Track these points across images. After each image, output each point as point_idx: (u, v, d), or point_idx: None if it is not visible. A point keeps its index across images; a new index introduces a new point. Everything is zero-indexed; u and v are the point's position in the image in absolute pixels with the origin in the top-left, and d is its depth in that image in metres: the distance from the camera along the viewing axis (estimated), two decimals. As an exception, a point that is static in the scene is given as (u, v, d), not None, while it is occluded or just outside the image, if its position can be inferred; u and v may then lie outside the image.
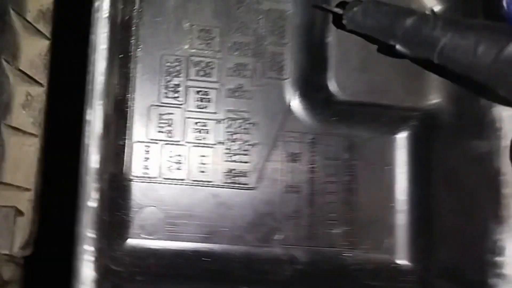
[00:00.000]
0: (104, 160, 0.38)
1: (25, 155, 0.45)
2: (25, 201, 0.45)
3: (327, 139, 0.46)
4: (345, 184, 0.46)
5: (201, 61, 0.45)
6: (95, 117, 0.37)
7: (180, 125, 0.44)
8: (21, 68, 0.45)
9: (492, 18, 0.35)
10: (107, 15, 0.40)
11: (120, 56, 0.43)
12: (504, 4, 0.32)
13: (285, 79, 0.46)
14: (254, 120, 0.45)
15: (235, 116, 0.45)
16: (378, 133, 0.47)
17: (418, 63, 0.42)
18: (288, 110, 0.46)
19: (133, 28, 0.45)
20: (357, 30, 0.40)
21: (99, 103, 0.37)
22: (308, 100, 0.46)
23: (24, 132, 0.45)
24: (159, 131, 0.44)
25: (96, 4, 0.40)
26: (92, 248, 0.36)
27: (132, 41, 0.44)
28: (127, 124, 0.43)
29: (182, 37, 0.45)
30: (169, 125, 0.44)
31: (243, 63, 0.46)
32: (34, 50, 0.47)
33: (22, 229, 0.43)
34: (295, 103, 0.46)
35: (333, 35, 0.44)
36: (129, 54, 0.44)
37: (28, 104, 0.46)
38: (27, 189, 0.45)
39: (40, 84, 0.47)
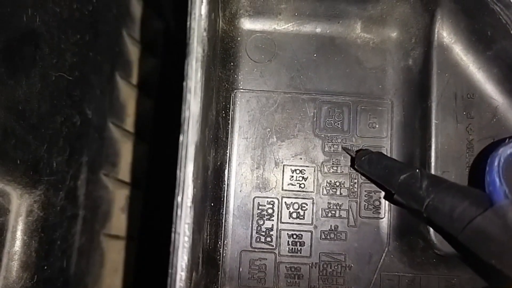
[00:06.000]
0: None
1: (124, 258, 0.45)
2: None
3: (425, 280, 0.44)
4: (445, 326, 0.44)
5: (294, 203, 0.43)
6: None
7: (272, 270, 0.43)
8: (120, 173, 0.45)
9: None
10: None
11: (211, 204, 0.41)
12: (487, 181, 0.34)
13: (381, 218, 0.44)
14: (350, 263, 0.43)
15: (329, 260, 0.43)
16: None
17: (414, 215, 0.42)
18: (385, 251, 0.43)
19: (225, 172, 0.43)
20: (366, 174, 0.43)
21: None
22: (406, 242, 0.43)
23: (123, 238, 0.45)
24: (251, 278, 0.43)
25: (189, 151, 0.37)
26: None
27: (224, 186, 0.43)
28: (219, 273, 0.42)
29: (274, 178, 0.43)
30: (261, 271, 0.43)
31: (338, 203, 0.44)
32: (132, 155, 0.47)
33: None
34: (393, 244, 0.44)
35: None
36: (221, 199, 0.43)
37: (127, 207, 0.46)
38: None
39: (139, 187, 0.47)
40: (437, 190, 0.35)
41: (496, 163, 0.34)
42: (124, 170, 0.46)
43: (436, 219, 0.35)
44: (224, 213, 0.43)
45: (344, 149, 0.44)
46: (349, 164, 0.44)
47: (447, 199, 0.34)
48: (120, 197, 0.46)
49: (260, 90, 0.44)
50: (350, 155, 0.44)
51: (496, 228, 0.31)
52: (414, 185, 0.36)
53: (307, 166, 0.44)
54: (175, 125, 0.36)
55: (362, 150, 0.43)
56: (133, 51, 0.48)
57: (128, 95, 0.47)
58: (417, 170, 0.37)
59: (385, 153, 0.44)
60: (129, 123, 0.47)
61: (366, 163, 0.41)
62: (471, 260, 0.42)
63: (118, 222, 0.45)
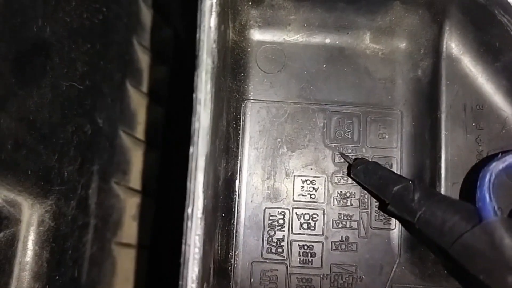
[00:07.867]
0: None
1: (135, 266, 0.45)
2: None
3: (437, 290, 0.43)
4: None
5: (305, 213, 0.43)
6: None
7: (283, 282, 0.42)
8: (131, 181, 0.45)
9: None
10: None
11: (222, 215, 0.41)
12: (477, 196, 0.33)
13: (392, 229, 0.43)
14: (361, 274, 0.43)
15: (340, 271, 0.43)
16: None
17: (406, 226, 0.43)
18: (396, 262, 0.43)
19: (236, 182, 0.43)
20: (361, 183, 0.43)
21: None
22: (417, 254, 0.43)
23: (134, 246, 0.45)
24: (262, 289, 0.42)
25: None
26: None
27: (235, 196, 0.43)
28: (230, 284, 0.42)
29: (285, 188, 0.43)
30: (272, 282, 0.42)
31: (349, 214, 0.43)
32: (143, 163, 0.47)
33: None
34: (404, 256, 0.43)
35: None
36: (232, 210, 0.42)
37: (139, 215, 0.46)
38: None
39: (150, 195, 0.46)
40: (429, 203, 0.35)
41: (487, 179, 0.34)
42: (135, 178, 0.46)
43: (428, 232, 0.35)
44: (235, 223, 0.42)
45: (342, 155, 0.44)
46: (349, 172, 0.44)
47: (438, 213, 0.34)
48: (131, 205, 0.45)
49: (270, 101, 0.44)
50: (347, 162, 0.44)
51: (484, 244, 0.31)
52: (407, 197, 0.36)
53: (317, 177, 0.44)
54: (186, 133, 0.36)
55: (359, 159, 0.44)
56: (144, 59, 0.48)
57: (138, 103, 0.46)
58: (410, 182, 0.37)
59: (396, 164, 0.44)
60: (140, 131, 0.47)
61: (361, 172, 0.41)
62: (461, 273, 0.41)
63: (130, 230, 0.45)
